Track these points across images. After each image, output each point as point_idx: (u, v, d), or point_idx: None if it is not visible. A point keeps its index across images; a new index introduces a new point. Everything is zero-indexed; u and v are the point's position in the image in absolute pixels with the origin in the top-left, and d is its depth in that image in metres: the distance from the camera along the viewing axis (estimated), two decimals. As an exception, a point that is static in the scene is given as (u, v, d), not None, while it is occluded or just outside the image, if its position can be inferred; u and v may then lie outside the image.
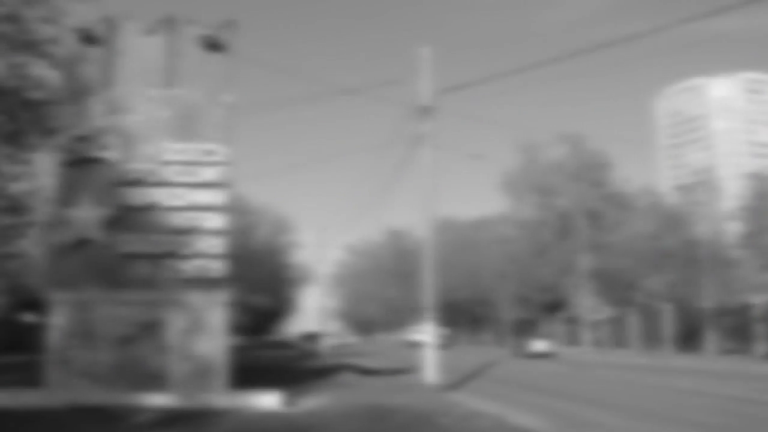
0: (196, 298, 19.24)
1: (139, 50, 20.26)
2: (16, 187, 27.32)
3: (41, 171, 54.60)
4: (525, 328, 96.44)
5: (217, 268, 19.62)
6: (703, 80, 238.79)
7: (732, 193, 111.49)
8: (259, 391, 19.36)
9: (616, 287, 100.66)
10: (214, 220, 19.73)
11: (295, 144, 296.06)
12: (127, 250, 19.42)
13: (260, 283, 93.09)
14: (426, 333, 28.82)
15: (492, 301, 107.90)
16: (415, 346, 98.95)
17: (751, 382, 30.59)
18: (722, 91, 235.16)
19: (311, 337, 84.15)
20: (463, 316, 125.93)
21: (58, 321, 18.97)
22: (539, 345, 66.63)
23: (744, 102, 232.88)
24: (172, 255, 19.50)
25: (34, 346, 58.62)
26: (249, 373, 28.27)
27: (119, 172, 19.65)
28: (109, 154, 19.65)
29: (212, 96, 20.27)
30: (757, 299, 60.33)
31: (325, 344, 75.79)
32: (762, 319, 57.39)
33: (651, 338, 69.82)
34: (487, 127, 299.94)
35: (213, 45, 20.37)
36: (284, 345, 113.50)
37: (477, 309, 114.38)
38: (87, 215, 19.33)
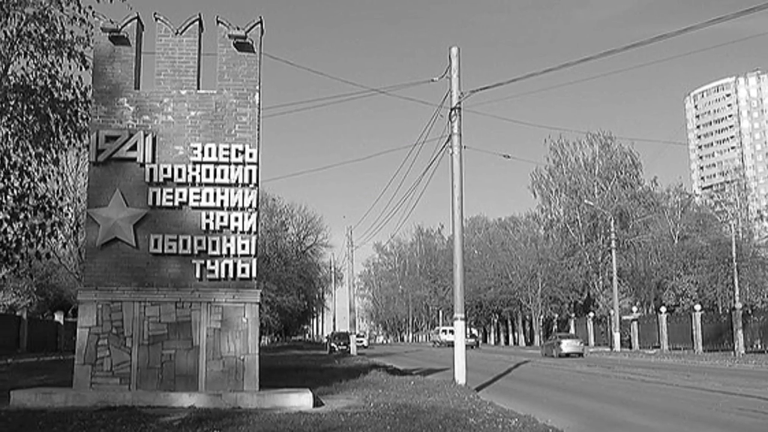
0: (225, 298, 19.23)
1: (169, 50, 20.25)
2: (45, 187, 27.39)
3: (70, 171, 54.89)
4: (555, 328, 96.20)
5: (246, 268, 19.61)
6: (732, 80, 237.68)
7: (762, 192, 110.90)
8: (289, 391, 19.37)
9: (645, 287, 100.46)
10: (244, 220, 19.72)
11: (325, 144, 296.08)
12: (156, 250, 19.42)
13: (289, 283, 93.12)
14: (455, 333, 28.69)
15: (522, 300, 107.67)
16: (444, 346, 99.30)
17: (780, 383, 30.43)
18: (752, 91, 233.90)
19: (340, 337, 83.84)
20: (492, 316, 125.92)
21: (87, 321, 18.98)
22: (569, 345, 66.40)
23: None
24: (201, 255, 19.51)
25: (64, 345, 58.82)
26: (279, 373, 28.35)
27: (149, 172, 19.66)
28: (139, 154, 19.65)
29: (242, 96, 20.25)
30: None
31: (355, 344, 75.66)
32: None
33: (680, 338, 69.49)
34: (518, 127, 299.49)
35: (243, 45, 20.35)
36: (313, 345, 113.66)
37: (507, 309, 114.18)
38: (117, 215, 19.34)
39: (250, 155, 19.99)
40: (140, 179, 19.67)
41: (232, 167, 19.84)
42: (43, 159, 26.19)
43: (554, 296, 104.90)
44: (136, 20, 20.29)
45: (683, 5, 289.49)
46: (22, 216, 25.32)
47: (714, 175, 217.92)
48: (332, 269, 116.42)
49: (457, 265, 28.68)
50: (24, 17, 24.67)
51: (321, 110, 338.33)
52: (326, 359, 51.36)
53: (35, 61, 25.68)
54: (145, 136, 19.76)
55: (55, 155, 26.89)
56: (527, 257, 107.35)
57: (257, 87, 20.39)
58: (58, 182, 30.18)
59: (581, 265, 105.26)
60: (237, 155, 19.90)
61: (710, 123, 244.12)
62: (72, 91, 26.07)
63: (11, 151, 25.59)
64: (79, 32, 25.64)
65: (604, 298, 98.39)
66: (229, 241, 19.61)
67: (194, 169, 19.74)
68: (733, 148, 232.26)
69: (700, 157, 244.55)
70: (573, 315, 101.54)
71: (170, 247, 19.44)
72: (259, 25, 20.53)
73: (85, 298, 19.21)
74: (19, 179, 25.53)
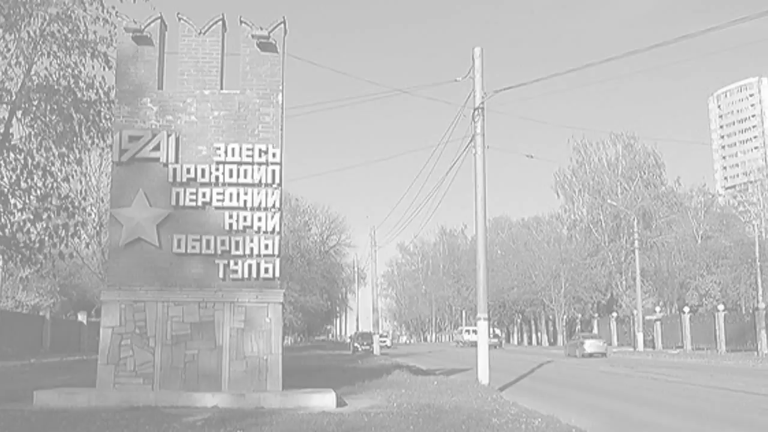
0: (249, 298, 19.21)
1: (192, 50, 20.24)
2: (68, 187, 27.42)
3: (93, 171, 55.01)
4: (578, 328, 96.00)
5: (269, 268, 19.58)
6: (756, 80, 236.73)
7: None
8: (313, 391, 19.35)
9: (668, 287, 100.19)
10: (267, 220, 19.70)
11: (348, 144, 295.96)
12: (179, 250, 19.42)
13: (312, 283, 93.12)
14: (478, 333, 28.63)
15: (545, 300, 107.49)
16: (467, 346, 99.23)
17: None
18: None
19: (364, 337, 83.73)
20: (515, 316, 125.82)
21: (110, 321, 18.99)
22: (592, 345, 66.32)
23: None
24: (224, 255, 19.49)
25: (87, 345, 58.96)
26: (302, 373, 28.33)
27: (172, 172, 19.65)
28: (162, 154, 19.65)
29: (265, 96, 20.23)
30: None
31: (378, 344, 75.59)
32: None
33: (704, 338, 69.21)
34: (541, 127, 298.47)
35: (266, 45, 20.33)
36: (337, 345, 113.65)
37: (530, 309, 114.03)
38: (140, 215, 19.35)
39: (273, 155, 19.96)
40: (163, 179, 19.67)
41: (255, 167, 19.82)
42: (66, 159, 26.21)
43: (577, 296, 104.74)
44: (159, 20, 20.29)
45: (706, 6, 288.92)
46: (45, 216, 25.37)
47: (737, 175, 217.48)
48: (355, 269, 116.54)
49: (481, 265, 28.62)
50: (47, 17, 24.70)
51: (344, 110, 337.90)
52: (349, 359, 51.31)
53: (58, 61, 25.72)
54: (169, 136, 19.77)
55: (78, 155, 26.90)
56: (550, 257, 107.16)
57: (280, 87, 20.37)
58: (81, 182, 30.12)
59: (604, 265, 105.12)
60: (260, 155, 19.88)
61: (733, 123, 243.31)
62: (95, 91, 26.10)
63: (34, 151, 25.63)
64: (103, 32, 25.66)
65: (627, 298, 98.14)
66: (252, 241, 19.59)
67: (217, 169, 19.73)
68: (756, 148, 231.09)
69: (724, 157, 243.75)
70: (596, 315, 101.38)
71: (193, 247, 19.43)
72: (282, 26, 20.50)
73: (108, 298, 19.25)
74: (42, 179, 25.57)
